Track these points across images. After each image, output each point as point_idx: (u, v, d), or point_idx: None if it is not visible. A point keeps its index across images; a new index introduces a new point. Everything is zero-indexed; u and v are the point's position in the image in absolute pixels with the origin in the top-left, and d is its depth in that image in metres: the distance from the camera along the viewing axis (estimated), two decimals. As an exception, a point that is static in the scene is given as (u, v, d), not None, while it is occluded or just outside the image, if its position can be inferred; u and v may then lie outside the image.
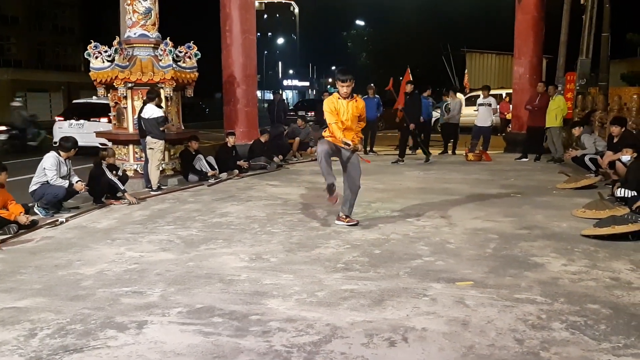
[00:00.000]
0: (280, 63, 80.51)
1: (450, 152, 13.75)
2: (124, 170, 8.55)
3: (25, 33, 40.68)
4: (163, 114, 8.61)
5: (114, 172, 7.89)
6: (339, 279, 4.48)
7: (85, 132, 13.03)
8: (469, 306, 3.87)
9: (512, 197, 8.03)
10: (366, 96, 14.72)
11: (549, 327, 3.53)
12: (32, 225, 6.36)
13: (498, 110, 15.62)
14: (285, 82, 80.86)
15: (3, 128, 16.10)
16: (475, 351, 3.22)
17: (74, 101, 18.04)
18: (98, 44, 9.17)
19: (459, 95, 14.50)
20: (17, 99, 17.20)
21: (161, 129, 8.54)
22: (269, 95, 52.12)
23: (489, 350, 3.23)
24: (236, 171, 10.44)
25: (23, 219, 6.17)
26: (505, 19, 17.92)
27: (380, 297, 4.07)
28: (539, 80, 13.55)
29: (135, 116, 9.04)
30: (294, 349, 3.26)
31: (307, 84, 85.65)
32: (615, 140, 8.56)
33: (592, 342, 3.32)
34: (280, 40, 79.72)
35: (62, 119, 14.94)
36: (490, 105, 12.97)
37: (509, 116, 17.26)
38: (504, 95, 19.98)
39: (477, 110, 13.20)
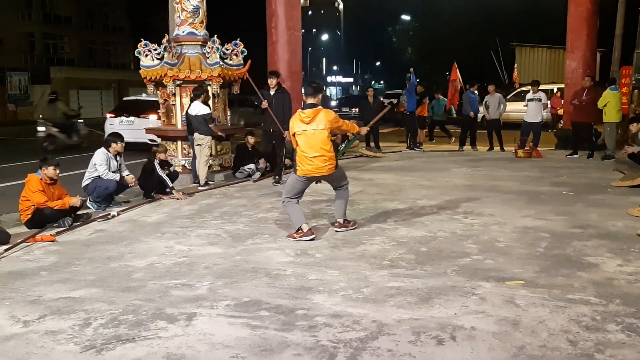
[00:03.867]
0: (324, 59, 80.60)
1: (496, 148, 13.46)
2: (174, 168, 8.72)
3: (77, 32, 42.10)
4: (210, 111, 8.75)
5: (166, 168, 8.06)
6: (385, 276, 4.45)
7: (136, 129, 13.36)
8: (520, 306, 3.78)
9: (564, 195, 7.80)
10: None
11: (604, 329, 3.42)
12: (87, 218, 6.59)
13: (549, 106, 15.24)
14: (329, 79, 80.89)
15: (42, 128, 14.97)
16: (526, 352, 3.14)
17: (124, 98, 18.52)
18: (148, 42, 9.39)
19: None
20: (52, 95, 16.51)
21: (209, 125, 8.68)
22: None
23: (540, 351, 3.14)
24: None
25: (76, 200, 6.40)
26: (557, 12, 17.43)
27: (427, 295, 4.02)
28: (593, 74, 13.12)
29: (183, 113, 9.22)
30: (340, 344, 3.26)
31: (351, 80, 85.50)
32: (674, 136, 8.21)
33: (650, 346, 3.19)
34: (325, 37, 79.78)
35: (113, 115, 15.36)
36: (540, 100, 12.62)
37: (560, 112, 16.79)
38: (555, 90, 19.43)
39: (527, 105, 12.87)
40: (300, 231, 5.62)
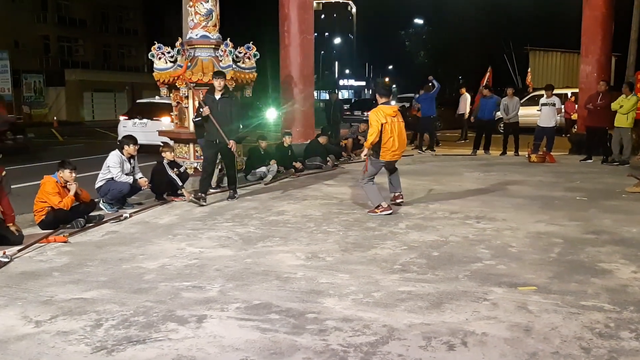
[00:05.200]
0: (336, 63, 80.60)
1: (510, 152, 13.38)
2: (185, 168, 8.75)
3: (92, 35, 42.47)
4: None
5: (175, 169, 8.09)
6: (395, 280, 4.43)
7: (149, 131, 13.42)
8: (532, 312, 3.75)
9: (577, 200, 7.73)
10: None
11: (618, 336, 3.38)
12: (100, 219, 6.63)
13: (563, 110, 15.19)
14: (341, 82, 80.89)
15: None
16: (538, 358, 3.11)
17: (138, 101, 18.63)
18: (161, 45, 9.43)
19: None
20: None
21: None
22: (325, 95, 52.27)
23: (553, 358, 3.11)
24: (292, 170, 10.51)
25: (73, 187, 6.41)
26: (571, 16, 17.31)
27: (438, 300, 4.00)
28: (607, 79, 13.01)
29: (193, 116, 9.23)
30: (350, 348, 3.25)
31: (363, 83, 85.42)
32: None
33: (665, 354, 3.14)
34: (337, 40, 79.81)
35: (127, 118, 15.45)
36: (554, 105, 12.55)
37: (574, 116, 16.69)
38: (569, 95, 19.31)
39: (540, 110, 12.79)
40: (380, 207, 6.85)
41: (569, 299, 3.97)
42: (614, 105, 11.22)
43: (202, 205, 7.50)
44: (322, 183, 9.52)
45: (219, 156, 8.68)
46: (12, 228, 5.76)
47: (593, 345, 3.27)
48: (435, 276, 4.53)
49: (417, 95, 15.98)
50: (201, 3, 9.41)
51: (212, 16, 9.53)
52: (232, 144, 7.70)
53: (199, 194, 7.70)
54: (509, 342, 3.30)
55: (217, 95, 7.77)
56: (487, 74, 17.56)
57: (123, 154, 7.39)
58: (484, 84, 16.38)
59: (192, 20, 9.56)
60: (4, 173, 5.86)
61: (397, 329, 3.50)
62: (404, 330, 3.48)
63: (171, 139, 10.21)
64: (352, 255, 5.18)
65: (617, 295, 4.05)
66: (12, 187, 6.37)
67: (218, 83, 7.74)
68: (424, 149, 14.59)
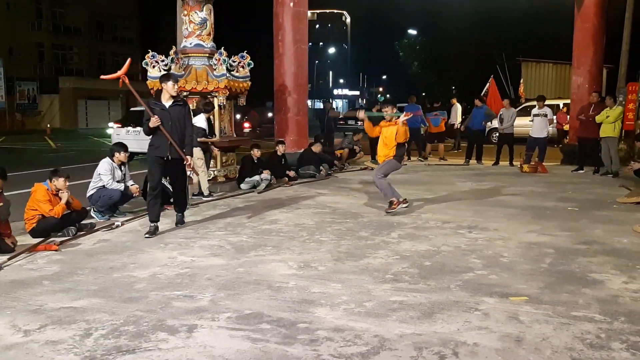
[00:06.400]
0: (331, 72, 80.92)
1: (505, 163, 13.45)
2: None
3: (87, 43, 42.54)
4: (205, 128, 8.71)
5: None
6: (387, 290, 4.43)
7: (142, 139, 13.37)
8: (523, 322, 3.75)
9: (569, 210, 7.76)
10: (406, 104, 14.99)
11: (609, 347, 3.38)
12: (91, 227, 6.59)
13: (555, 121, 15.33)
14: (335, 92, 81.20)
15: None
16: (529, 369, 3.11)
17: (132, 109, 18.64)
18: (155, 53, 9.45)
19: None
20: None
21: (199, 139, 8.51)
22: (319, 105, 52.38)
23: (544, 369, 3.11)
24: (285, 179, 10.51)
25: (65, 195, 6.34)
26: (563, 28, 17.48)
27: (430, 310, 3.99)
28: (599, 90, 13.14)
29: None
30: (341, 359, 3.23)
31: (357, 93, 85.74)
32: (681, 153, 8.17)
33: (656, 365, 3.15)
34: (332, 50, 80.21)
35: (120, 125, 15.43)
36: (545, 115, 12.64)
37: (566, 127, 16.80)
38: (561, 106, 19.45)
39: (532, 120, 12.87)
40: (395, 202, 7.42)
41: (560, 310, 3.98)
42: (599, 118, 11.31)
43: (154, 235, 6.32)
44: (316, 192, 9.52)
45: (200, 162, 8.49)
46: (8, 241, 5.70)
47: (584, 356, 3.26)
48: (427, 286, 4.53)
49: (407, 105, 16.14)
50: (195, 12, 9.46)
51: (207, 25, 9.57)
52: (189, 160, 6.59)
53: (151, 224, 6.43)
54: (500, 353, 3.30)
55: (167, 103, 6.48)
56: (488, 85, 17.68)
57: (114, 161, 7.37)
58: (483, 93, 16.54)
59: (187, 28, 9.60)
60: (0, 204, 5.79)
61: (389, 339, 3.49)
62: (395, 340, 3.47)
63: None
64: (344, 264, 5.17)
65: (608, 306, 4.06)
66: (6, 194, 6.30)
67: (174, 89, 6.51)
68: (420, 157, 14.82)
